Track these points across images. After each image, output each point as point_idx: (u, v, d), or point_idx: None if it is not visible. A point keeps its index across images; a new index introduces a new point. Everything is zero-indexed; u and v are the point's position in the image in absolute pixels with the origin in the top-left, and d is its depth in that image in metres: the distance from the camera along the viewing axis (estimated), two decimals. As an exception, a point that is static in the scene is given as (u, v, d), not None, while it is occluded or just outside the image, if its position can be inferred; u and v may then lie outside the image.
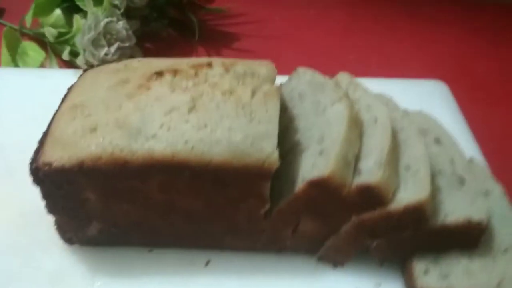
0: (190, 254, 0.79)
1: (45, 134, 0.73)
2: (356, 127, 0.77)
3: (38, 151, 0.71)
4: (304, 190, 0.72)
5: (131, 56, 1.26)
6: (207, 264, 0.78)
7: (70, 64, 1.22)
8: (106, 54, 1.18)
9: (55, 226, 0.78)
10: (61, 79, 1.11)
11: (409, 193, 0.73)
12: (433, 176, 0.80)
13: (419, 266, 0.75)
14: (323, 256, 0.78)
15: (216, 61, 0.79)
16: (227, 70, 0.77)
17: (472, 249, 0.77)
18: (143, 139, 0.69)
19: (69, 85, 0.99)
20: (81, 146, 0.69)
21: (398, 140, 0.82)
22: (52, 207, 0.74)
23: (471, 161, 0.92)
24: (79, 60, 1.16)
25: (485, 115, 1.20)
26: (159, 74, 0.77)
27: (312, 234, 0.77)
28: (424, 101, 1.15)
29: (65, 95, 0.81)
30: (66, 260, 0.79)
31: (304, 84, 0.87)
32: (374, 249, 0.75)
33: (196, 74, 0.76)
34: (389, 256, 0.77)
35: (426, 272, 0.74)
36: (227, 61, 0.79)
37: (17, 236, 0.80)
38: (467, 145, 1.02)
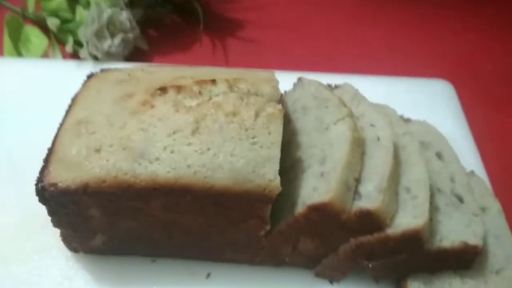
0: (191, 265, 0.82)
1: (50, 152, 0.74)
2: (359, 149, 0.77)
3: (43, 170, 0.72)
4: (304, 214, 0.73)
5: (135, 47, 1.25)
6: (208, 276, 0.81)
7: (74, 53, 1.20)
8: (109, 46, 1.17)
9: (61, 237, 0.80)
10: (65, 71, 1.13)
11: (407, 219, 0.74)
12: (432, 195, 0.81)
13: (412, 286, 0.77)
14: (320, 272, 0.81)
15: (220, 77, 0.79)
16: (231, 88, 0.77)
17: (466, 270, 0.79)
18: (146, 162, 0.70)
19: (73, 79, 1.00)
20: (85, 167, 0.70)
21: (400, 158, 0.82)
22: (57, 222, 0.76)
23: (471, 174, 0.93)
24: (83, 53, 1.15)
25: (489, 117, 1.20)
26: (163, 90, 0.77)
27: (311, 252, 0.79)
28: (429, 101, 1.16)
29: (69, 107, 0.81)
30: (71, 268, 0.81)
31: (308, 96, 0.87)
32: (370, 268, 0.77)
33: (200, 92, 0.76)
34: (385, 275, 0.79)
35: (419, 292, 0.76)
36: (231, 77, 0.79)
37: (24, 242, 0.82)
38: (468, 151, 1.03)
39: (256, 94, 0.77)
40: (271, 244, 0.78)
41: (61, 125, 0.77)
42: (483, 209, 0.87)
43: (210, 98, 0.76)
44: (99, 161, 0.70)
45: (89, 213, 0.74)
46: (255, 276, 0.81)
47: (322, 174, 0.75)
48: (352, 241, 0.75)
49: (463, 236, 0.77)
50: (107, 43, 1.16)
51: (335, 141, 0.78)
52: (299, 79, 0.91)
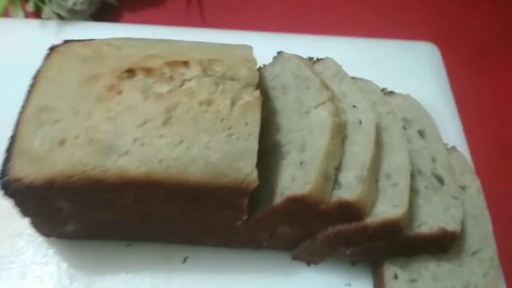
0: (167, 249, 0.81)
1: (12, 142, 0.69)
2: (339, 136, 0.74)
3: (6, 163, 0.67)
4: (282, 205, 0.71)
5: (103, 3, 1.16)
6: (184, 260, 0.80)
7: (36, 12, 1.11)
8: (74, 4, 1.08)
9: (30, 224, 0.77)
10: (26, 32, 1.05)
11: (386, 207, 0.73)
12: (412, 177, 0.79)
13: (389, 271, 0.78)
14: (297, 255, 0.80)
15: (193, 57, 0.73)
16: (205, 71, 0.72)
17: (442, 253, 0.79)
18: (115, 156, 0.66)
19: (35, 40, 0.94)
20: (50, 162, 0.66)
21: (381, 142, 0.79)
22: (24, 213, 0.72)
23: (453, 150, 0.92)
24: (45, 13, 1.06)
25: (475, 83, 1.16)
26: (131, 72, 0.71)
27: (289, 237, 0.78)
28: (413, 65, 1.12)
29: (31, 87, 0.75)
30: (43, 254, 0.79)
31: (289, 74, 0.82)
32: (347, 254, 0.77)
33: (171, 77, 0.70)
34: (361, 259, 0.79)
35: (395, 277, 0.77)
36: (205, 57, 0.73)
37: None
38: (451, 122, 1.01)
39: (232, 79, 0.72)
40: (248, 230, 0.76)
41: (22, 110, 0.72)
42: (462, 188, 0.86)
43: (182, 84, 0.70)
44: (65, 155, 0.66)
45: (58, 205, 0.70)
46: (232, 259, 0.81)
47: (301, 163, 0.72)
48: (330, 229, 0.74)
49: (441, 221, 0.76)
50: (71, 0, 1.07)
51: (315, 127, 0.74)
52: (279, 54, 0.86)
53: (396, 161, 0.77)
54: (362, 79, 0.89)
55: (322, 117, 0.74)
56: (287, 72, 0.82)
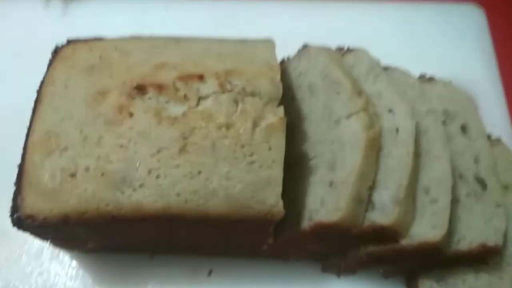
0: (192, 262, 0.78)
1: (21, 172, 0.65)
2: (374, 152, 0.67)
3: (16, 196, 0.64)
4: (311, 229, 0.66)
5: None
6: (210, 273, 0.77)
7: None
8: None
9: (51, 243, 0.75)
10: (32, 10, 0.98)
11: (424, 228, 0.68)
12: (453, 184, 0.73)
13: (424, 285, 0.73)
14: (326, 268, 0.77)
15: (208, 70, 0.65)
16: (222, 86, 0.64)
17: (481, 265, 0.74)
18: (129, 190, 0.61)
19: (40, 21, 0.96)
20: (63, 197, 0.62)
21: (420, 149, 0.72)
22: (42, 239, 0.70)
23: (497, 143, 0.83)
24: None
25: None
26: (141, 89, 0.65)
27: (318, 252, 0.74)
28: (454, 33, 1.01)
29: (36, 102, 0.69)
30: (67, 268, 0.77)
31: (316, 74, 0.73)
32: (380, 271, 0.73)
33: (185, 96, 0.63)
34: (395, 275, 0.75)
35: (431, 291, 0.73)
36: (222, 70, 0.65)
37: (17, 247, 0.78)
38: (495, 101, 0.92)
39: (253, 94, 0.64)
40: (275, 247, 0.72)
41: (29, 134, 0.67)
42: (506, 187, 0.79)
43: (198, 104, 0.63)
44: (77, 190, 0.62)
45: (76, 233, 0.67)
46: (259, 271, 0.78)
47: (331, 184, 0.66)
48: (362, 249, 0.69)
49: (482, 235, 0.71)
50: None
51: (347, 142, 0.67)
52: (305, 47, 0.76)
53: (436, 173, 0.70)
54: (398, 70, 0.80)
55: (355, 130, 0.67)
56: (315, 71, 0.73)
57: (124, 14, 1.00)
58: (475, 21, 1.01)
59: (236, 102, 0.63)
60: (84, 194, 0.61)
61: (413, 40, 0.99)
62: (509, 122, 0.90)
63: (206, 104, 0.63)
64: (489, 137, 0.84)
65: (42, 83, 0.71)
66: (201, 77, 0.64)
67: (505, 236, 0.74)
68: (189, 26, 0.98)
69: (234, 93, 0.64)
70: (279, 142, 0.62)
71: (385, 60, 0.94)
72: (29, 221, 0.62)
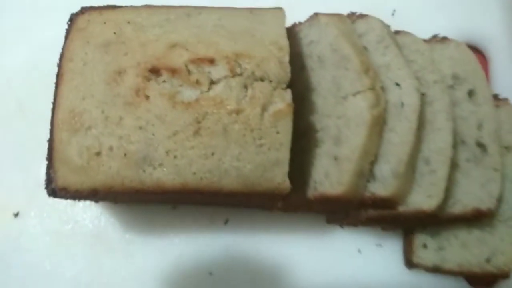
0: (210, 212, 0.87)
1: (51, 148, 0.71)
2: (377, 129, 0.71)
3: (49, 169, 0.71)
4: (315, 199, 0.73)
5: None
6: (226, 222, 0.87)
7: None
8: None
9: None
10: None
11: (420, 197, 0.74)
12: (455, 147, 0.77)
13: (418, 239, 0.81)
14: (331, 220, 0.85)
15: (219, 53, 0.67)
16: (232, 70, 0.67)
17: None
18: (150, 168, 0.68)
19: None
20: (91, 173, 0.69)
21: (424, 119, 0.75)
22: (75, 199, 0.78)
23: (504, 103, 0.86)
24: None
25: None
26: (156, 72, 0.68)
27: (323, 210, 0.81)
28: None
29: (57, 76, 0.74)
30: (101, 216, 0.87)
31: (326, 45, 0.75)
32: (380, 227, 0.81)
33: (197, 81, 0.67)
34: (392, 229, 0.83)
35: (424, 246, 0.81)
36: (231, 53, 0.67)
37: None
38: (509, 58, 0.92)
39: (262, 79, 0.67)
40: (284, 206, 0.80)
41: (54, 111, 0.72)
42: (507, 148, 0.83)
43: (210, 88, 0.67)
44: (103, 168, 0.69)
45: (106, 198, 0.76)
46: (271, 220, 0.86)
47: (335, 158, 0.71)
48: (363, 213, 0.76)
49: (477, 199, 0.76)
50: None
51: (352, 119, 0.70)
52: (315, 17, 0.76)
53: (437, 144, 0.74)
54: (409, 35, 0.80)
55: (360, 108, 0.70)
56: (325, 42, 0.74)
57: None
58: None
59: (245, 87, 0.66)
60: (110, 171, 0.68)
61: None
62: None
63: (217, 89, 0.66)
64: (497, 96, 0.86)
65: (61, 56, 0.74)
66: (212, 61, 0.67)
67: (500, 195, 0.80)
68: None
69: (243, 78, 0.67)
70: (286, 126, 0.66)
71: (400, 13, 0.93)
72: (62, 193, 0.70)
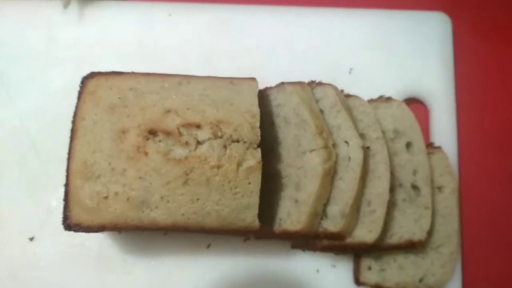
0: (195, 238, 1.04)
1: (67, 191, 0.88)
2: (329, 178, 0.89)
3: (66, 208, 0.88)
4: (280, 233, 0.91)
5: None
6: (208, 246, 1.04)
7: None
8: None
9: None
10: (50, 11, 1.14)
11: (363, 232, 0.92)
12: (393, 189, 0.96)
13: (364, 263, 1.00)
14: (295, 246, 1.03)
15: (204, 119, 0.85)
16: (214, 134, 0.85)
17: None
18: (148, 210, 0.85)
19: (57, 22, 1.13)
20: (100, 213, 0.86)
21: (368, 169, 0.94)
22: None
23: (438, 151, 1.04)
24: None
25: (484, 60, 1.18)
26: (154, 133, 0.86)
27: (287, 239, 1.00)
28: (419, 41, 1.15)
29: (72, 131, 0.90)
30: (105, 242, 1.05)
31: (290, 110, 0.93)
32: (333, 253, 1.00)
33: (187, 142, 0.84)
34: (345, 254, 1.02)
35: (369, 268, 1.00)
36: (214, 119, 0.85)
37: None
38: (446, 111, 1.11)
39: (238, 140, 0.85)
40: (257, 235, 0.98)
41: (69, 161, 0.89)
42: (439, 188, 1.02)
43: (196, 148, 0.84)
44: (110, 209, 0.86)
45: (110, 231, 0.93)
46: (246, 246, 1.04)
47: (296, 201, 0.90)
48: (318, 243, 0.95)
49: (410, 232, 0.95)
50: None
51: (309, 170, 0.89)
52: (282, 85, 0.94)
53: (377, 190, 0.93)
54: (358, 99, 0.98)
55: (315, 162, 0.88)
56: (289, 106, 0.92)
57: (132, 18, 1.15)
58: (440, 29, 1.15)
59: (225, 147, 0.84)
60: (115, 212, 0.86)
61: (379, 47, 1.14)
62: (455, 130, 1.09)
63: (203, 149, 0.84)
64: (432, 144, 1.05)
65: (75, 115, 0.91)
66: (198, 126, 0.85)
67: (432, 225, 0.99)
68: (188, 32, 1.14)
69: (223, 140, 0.84)
70: (256, 178, 0.84)
71: (356, 71, 1.11)
72: (76, 228, 0.87)
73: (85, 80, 0.93)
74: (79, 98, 0.92)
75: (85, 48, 1.14)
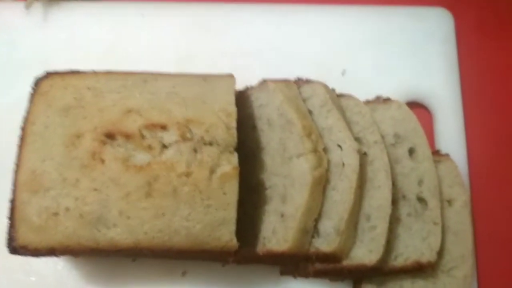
0: (168, 265, 0.90)
1: (13, 208, 0.75)
2: (319, 188, 0.76)
3: (11, 228, 0.74)
4: (263, 254, 0.77)
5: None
6: (184, 274, 0.90)
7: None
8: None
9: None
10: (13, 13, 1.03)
11: (362, 252, 0.78)
12: (396, 202, 0.82)
13: (366, 288, 0.86)
14: (284, 272, 0.88)
15: (171, 119, 0.73)
16: (183, 135, 0.72)
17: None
18: (104, 228, 0.72)
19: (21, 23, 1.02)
20: (49, 233, 0.73)
21: (365, 177, 0.80)
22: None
23: (446, 159, 0.91)
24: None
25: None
26: (111, 137, 0.73)
27: (274, 263, 0.85)
28: (420, 39, 1.04)
29: (21, 139, 0.78)
30: (63, 269, 0.90)
31: (273, 109, 0.80)
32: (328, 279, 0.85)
33: (149, 146, 0.71)
34: (341, 281, 0.87)
35: (371, 295, 0.85)
36: (183, 119, 0.73)
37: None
38: (453, 115, 0.99)
39: (211, 143, 0.72)
40: (237, 259, 0.84)
41: (16, 172, 0.76)
42: (448, 202, 0.88)
43: (161, 153, 0.72)
44: (60, 227, 0.72)
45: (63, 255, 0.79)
46: (226, 273, 0.90)
47: (282, 215, 0.76)
48: (310, 267, 0.80)
49: (417, 252, 0.81)
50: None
51: (296, 179, 0.76)
52: (264, 82, 0.82)
53: (377, 202, 0.79)
54: (351, 98, 0.86)
55: (303, 170, 0.75)
56: (272, 106, 0.80)
57: (102, 20, 1.04)
58: (442, 26, 1.04)
59: (195, 151, 0.71)
60: (66, 231, 0.72)
61: (375, 46, 1.03)
62: (464, 136, 0.96)
63: (169, 154, 0.71)
64: (438, 152, 0.92)
65: (25, 119, 0.79)
66: (164, 127, 0.72)
67: (442, 244, 0.85)
68: (164, 33, 1.03)
69: (193, 142, 0.72)
70: (232, 188, 0.71)
71: (350, 73, 1.00)
72: (23, 250, 0.74)
73: (39, 81, 0.82)
74: (30, 100, 0.80)
75: (50, 52, 1.03)
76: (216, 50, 1.01)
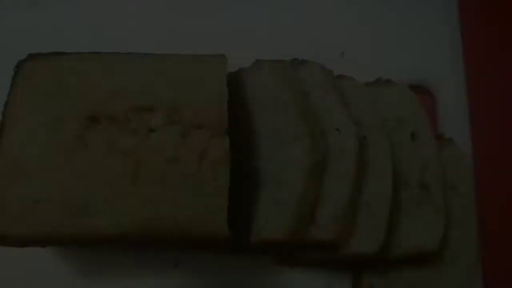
0: (160, 255, 0.86)
1: (-10, 196, 0.71)
2: (316, 174, 0.72)
3: (-12, 217, 0.70)
4: (257, 242, 0.73)
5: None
6: (176, 265, 0.86)
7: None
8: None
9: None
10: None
11: (361, 240, 0.74)
12: (397, 189, 0.78)
13: (365, 280, 0.82)
14: (280, 262, 0.85)
15: (158, 101, 0.68)
16: (170, 118, 0.68)
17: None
18: (88, 216, 0.68)
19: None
20: (29, 222, 0.68)
21: (365, 162, 0.76)
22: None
23: (449, 143, 0.87)
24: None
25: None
26: (96, 120, 0.69)
27: (269, 252, 0.82)
28: (423, 15, 1.00)
29: (1, 123, 0.74)
30: (50, 261, 0.86)
31: (267, 91, 0.76)
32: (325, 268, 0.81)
33: (135, 130, 0.67)
34: (340, 268, 0.83)
35: (371, 286, 0.81)
36: (170, 100, 0.68)
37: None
38: (456, 97, 0.95)
39: (200, 126, 0.68)
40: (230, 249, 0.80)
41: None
42: (452, 188, 0.84)
43: (148, 136, 0.67)
44: (41, 216, 0.68)
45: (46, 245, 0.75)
46: (220, 263, 0.86)
47: (277, 202, 0.72)
48: (307, 256, 0.76)
49: (420, 240, 0.77)
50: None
51: (291, 164, 0.72)
52: (257, 63, 0.78)
53: (378, 189, 0.75)
54: (351, 80, 0.82)
55: (299, 154, 0.71)
56: (267, 88, 0.76)
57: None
58: (445, 6, 1.00)
59: (183, 135, 0.67)
60: (48, 220, 0.68)
61: (376, 26, 0.99)
62: (468, 121, 0.92)
63: (155, 137, 0.67)
64: (441, 136, 0.88)
65: (6, 104, 0.74)
66: (150, 109, 0.68)
67: (445, 236, 0.81)
68: (152, 12, 0.99)
69: (181, 126, 0.67)
70: (224, 173, 0.67)
71: (349, 55, 0.95)
72: (2, 241, 0.70)
73: (21, 63, 0.77)
74: (12, 84, 0.76)
75: (35, 36, 0.98)
76: (207, 29, 0.96)
